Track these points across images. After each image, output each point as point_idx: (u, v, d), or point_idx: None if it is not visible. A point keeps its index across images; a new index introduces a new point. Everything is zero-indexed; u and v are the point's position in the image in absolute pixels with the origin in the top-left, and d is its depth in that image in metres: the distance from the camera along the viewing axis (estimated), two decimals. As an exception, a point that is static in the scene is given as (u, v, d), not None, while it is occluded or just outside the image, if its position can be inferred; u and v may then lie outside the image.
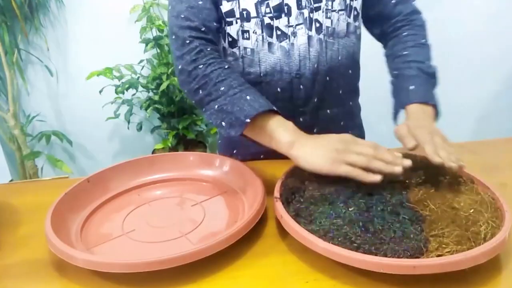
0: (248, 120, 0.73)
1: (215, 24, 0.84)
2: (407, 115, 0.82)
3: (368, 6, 0.94)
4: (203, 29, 0.81)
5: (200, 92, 0.79)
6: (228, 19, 0.84)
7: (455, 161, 0.67)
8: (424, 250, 0.56)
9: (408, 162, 0.67)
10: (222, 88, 0.77)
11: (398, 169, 0.66)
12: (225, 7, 0.83)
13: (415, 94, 0.83)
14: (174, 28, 0.83)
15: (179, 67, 0.81)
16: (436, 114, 0.84)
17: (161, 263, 0.57)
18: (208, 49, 0.81)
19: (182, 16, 0.82)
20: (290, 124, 0.76)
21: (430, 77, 0.87)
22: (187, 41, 0.80)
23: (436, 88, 0.88)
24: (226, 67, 0.80)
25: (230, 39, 0.87)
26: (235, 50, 0.88)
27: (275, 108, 0.75)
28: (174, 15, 0.83)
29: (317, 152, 0.69)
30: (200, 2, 0.83)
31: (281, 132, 0.74)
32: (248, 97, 0.75)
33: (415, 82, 0.85)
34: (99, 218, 0.77)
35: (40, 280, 0.62)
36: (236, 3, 0.83)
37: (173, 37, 0.83)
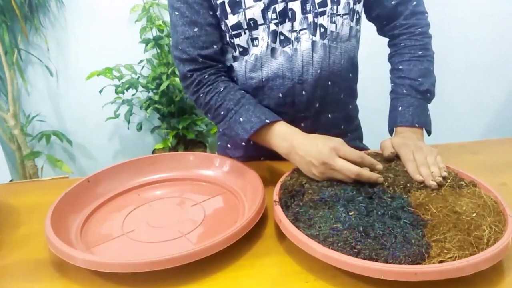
0: (243, 143, 0.83)
1: (214, 47, 0.87)
2: (395, 133, 0.89)
3: (369, 8, 0.94)
4: (200, 60, 0.86)
5: (209, 116, 0.89)
6: (235, 32, 0.85)
7: (436, 178, 0.70)
8: (425, 255, 0.55)
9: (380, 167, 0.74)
10: (222, 113, 0.86)
11: (380, 179, 0.72)
12: (231, 20, 0.83)
13: (402, 117, 0.89)
14: (175, 60, 0.89)
15: (187, 95, 0.91)
16: (427, 130, 0.89)
17: (161, 263, 0.57)
18: (206, 76, 0.87)
19: (180, 48, 0.86)
20: (281, 130, 0.81)
21: (422, 95, 0.90)
22: (188, 75, 0.87)
23: (429, 103, 0.91)
24: (222, 89, 0.86)
25: (241, 49, 0.87)
26: (245, 57, 0.88)
27: (267, 121, 0.81)
28: (173, 45, 0.88)
29: (307, 168, 0.75)
30: (196, 29, 0.84)
31: (276, 145, 0.81)
32: (241, 119, 0.83)
33: (404, 102, 0.90)
34: (99, 218, 0.77)
35: (40, 280, 0.62)
36: (242, 14, 0.83)
37: (176, 67, 0.89)
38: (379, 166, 0.74)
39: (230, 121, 0.84)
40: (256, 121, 0.81)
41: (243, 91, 0.87)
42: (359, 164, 0.72)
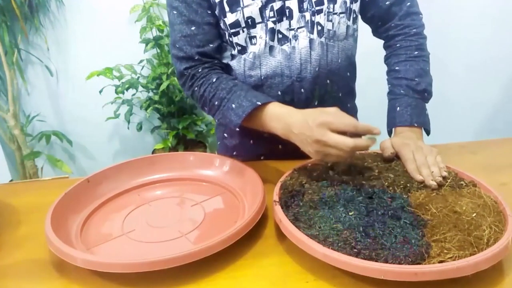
0: (237, 129, 0.81)
1: (211, 45, 0.87)
2: (394, 133, 0.89)
3: (364, 9, 0.94)
4: (196, 57, 0.86)
5: (206, 109, 0.88)
6: (233, 30, 0.85)
7: (436, 178, 0.70)
8: (425, 255, 0.55)
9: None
10: (216, 103, 0.84)
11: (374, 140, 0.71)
12: (229, 19, 0.84)
13: (400, 117, 0.88)
14: (172, 58, 0.89)
15: (184, 92, 0.91)
16: (426, 129, 0.89)
17: (161, 263, 0.57)
18: (199, 70, 0.86)
19: (177, 46, 0.86)
20: (275, 111, 0.79)
21: (419, 94, 0.90)
22: (184, 73, 0.87)
23: (427, 103, 0.91)
24: (214, 80, 0.85)
25: (239, 48, 0.87)
26: (243, 55, 0.88)
27: (259, 103, 0.78)
28: (171, 43, 0.89)
29: (304, 147, 0.74)
30: (193, 28, 0.84)
31: (272, 127, 0.79)
32: (233, 105, 0.81)
33: (402, 102, 0.89)
34: (99, 218, 0.77)
35: (40, 280, 0.62)
36: (240, 13, 0.83)
37: (173, 65, 0.90)
38: (377, 130, 0.70)
39: (223, 110, 0.83)
40: (248, 105, 0.79)
41: (236, 80, 0.87)
42: (354, 133, 0.68)
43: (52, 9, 2.09)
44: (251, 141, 0.97)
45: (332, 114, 0.71)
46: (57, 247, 0.61)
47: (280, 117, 0.77)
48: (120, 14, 2.12)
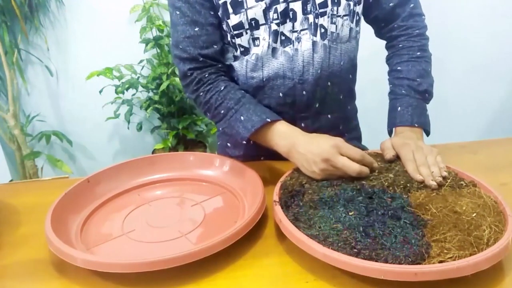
0: (244, 142, 0.82)
1: (215, 46, 0.87)
2: (395, 133, 0.89)
3: (367, 10, 0.94)
4: (200, 59, 0.86)
5: (208, 115, 0.89)
6: (236, 32, 0.85)
7: (436, 178, 0.71)
8: (425, 255, 0.55)
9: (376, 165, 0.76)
10: (222, 112, 0.86)
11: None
12: (233, 20, 0.84)
13: (401, 117, 0.88)
14: (174, 59, 0.89)
15: (186, 94, 0.91)
16: (426, 130, 0.89)
17: (161, 263, 0.57)
18: (206, 75, 0.86)
19: (180, 47, 0.86)
20: (282, 130, 0.82)
21: (420, 95, 0.90)
22: (188, 74, 0.87)
23: (427, 104, 0.91)
24: (222, 88, 0.86)
25: (242, 49, 0.87)
26: (246, 56, 0.88)
27: (268, 120, 0.81)
28: (173, 43, 0.88)
29: (307, 165, 0.75)
30: (196, 29, 0.84)
31: (276, 144, 0.82)
32: (242, 118, 0.83)
33: (403, 102, 0.89)
34: (99, 218, 0.77)
35: (40, 280, 0.62)
36: (244, 14, 0.83)
37: (175, 66, 0.90)
38: (376, 165, 0.76)
39: (230, 120, 0.84)
40: (257, 120, 0.81)
41: (243, 91, 0.88)
42: (359, 163, 0.73)
43: (52, 9, 2.09)
44: (251, 141, 0.97)
45: (341, 141, 0.75)
46: (57, 247, 0.61)
47: (286, 136, 0.80)
48: (120, 14, 2.12)
